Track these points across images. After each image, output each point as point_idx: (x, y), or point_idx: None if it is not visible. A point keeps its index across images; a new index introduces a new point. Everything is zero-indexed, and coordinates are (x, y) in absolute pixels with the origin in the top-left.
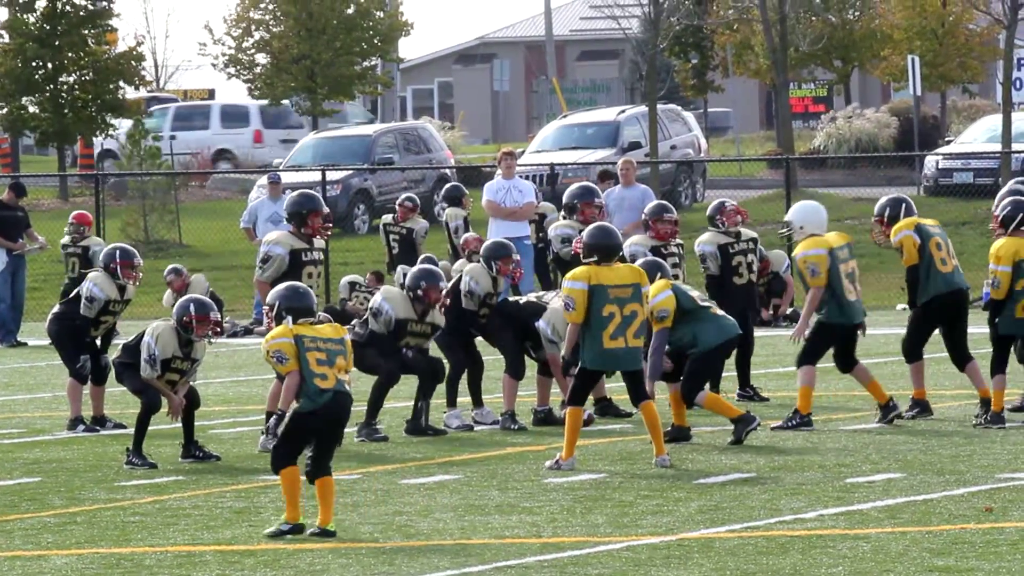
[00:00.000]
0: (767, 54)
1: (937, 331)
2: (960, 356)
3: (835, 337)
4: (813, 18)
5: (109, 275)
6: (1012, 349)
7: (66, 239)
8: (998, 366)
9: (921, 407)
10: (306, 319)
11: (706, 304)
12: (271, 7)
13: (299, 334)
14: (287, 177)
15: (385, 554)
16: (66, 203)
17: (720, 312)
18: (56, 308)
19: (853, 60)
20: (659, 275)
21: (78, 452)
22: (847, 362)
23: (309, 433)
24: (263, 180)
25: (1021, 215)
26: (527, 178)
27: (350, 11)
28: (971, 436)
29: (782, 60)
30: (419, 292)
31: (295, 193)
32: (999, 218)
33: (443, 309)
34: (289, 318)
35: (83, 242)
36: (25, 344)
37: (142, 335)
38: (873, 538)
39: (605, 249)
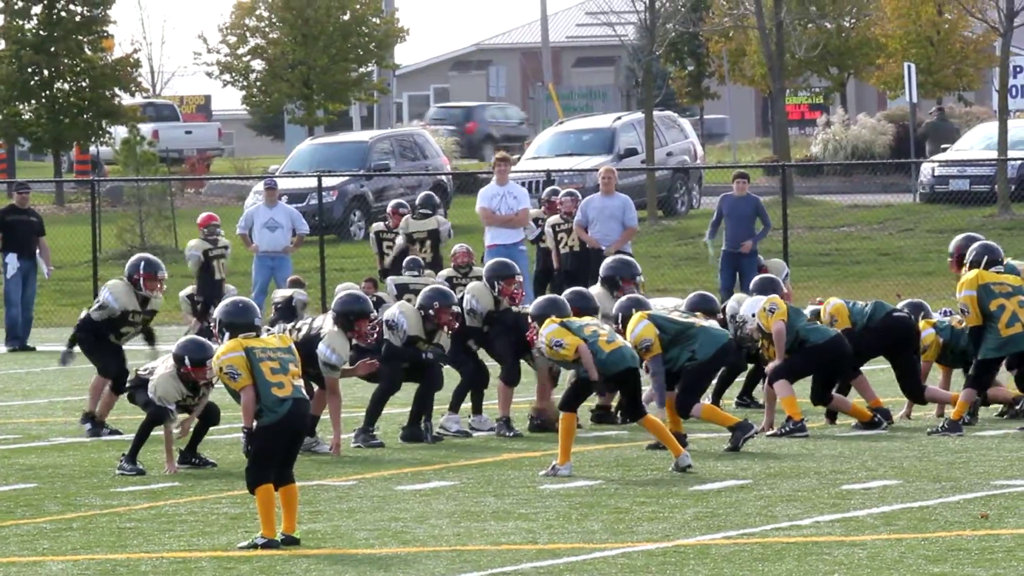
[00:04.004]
0: (763, 61)
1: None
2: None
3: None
4: (809, 25)
5: (131, 285)
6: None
7: (200, 243)
8: (975, 383)
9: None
10: (247, 334)
11: (690, 321)
12: (266, 14)
13: (249, 346)
14: (283, 183)
15: (381, 560)
16: (62, 209)
17: (706, 323)
18: (83, 314)
19: (848, 67)
20: (634, 310)
21: (74, 458)
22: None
23: (277, 446)
24: (259, 186)
25: (987, 257)
26: (523, 184)
27: (346, 17)
28: (966, 443)
29: (778, 67)
30: (431, 312)
31: (345, 294)
32: (960, 260)
33: (451, 332)
34: (228, 333)
35: (223, 241)
36: (34, 349)
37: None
38: (869, 545)
39: (558, 312)
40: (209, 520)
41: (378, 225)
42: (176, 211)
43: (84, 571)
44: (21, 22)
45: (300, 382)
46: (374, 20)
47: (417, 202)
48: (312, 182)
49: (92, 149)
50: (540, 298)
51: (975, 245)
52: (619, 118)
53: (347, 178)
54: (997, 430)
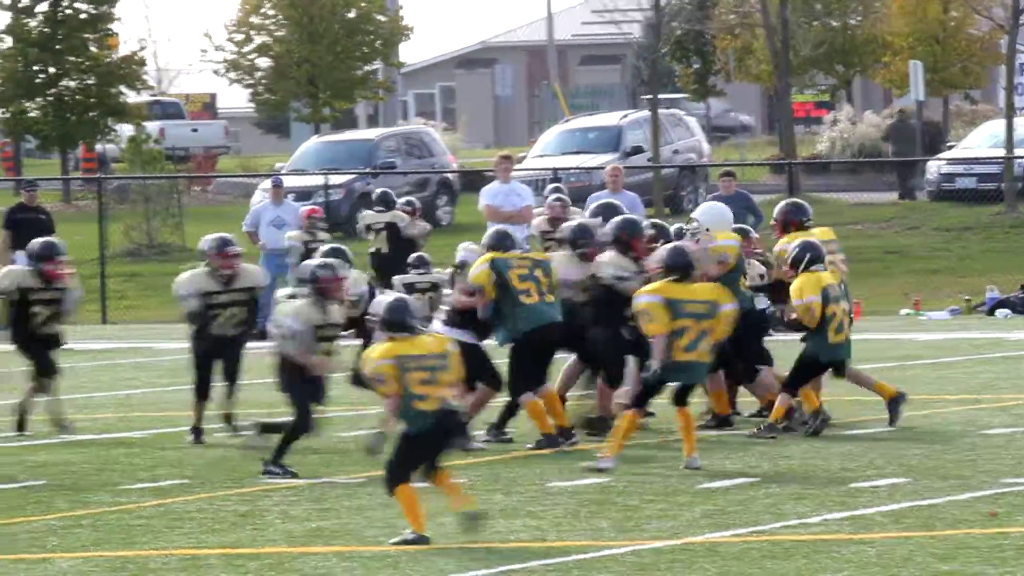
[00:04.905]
0: (769, 59)
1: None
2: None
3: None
4: (815, 23)
5: (206, 266)
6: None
7: (300, 235)
8: (793, 383)
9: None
10: (402, 334)
11: (524, 289)
12: (272, 12)
13: (400, 354)
14: (289, 181)
15: (390, 558)
16: (68, 206)
17: (538, 299)
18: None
19: (855, 65)
20: (501, 248)
21: (83, 455)
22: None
23: (421, 453)
24: (266, 184)
25: (808, 255)
26: (527, 183)
27: (351, 15)
28: (975, 441)
29: (784, 65)
30: (586, 251)
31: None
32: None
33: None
34: (386, 333)
35: (322, 235)
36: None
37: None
38: (878, 543)
39: (682, 267)
40: (218, 517)
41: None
42: (183, 209)
43: (93, 568)
44: (26, 20)
45: (451, 392)
46: (379, 18)
47: (374, 198)
48: (318, 180)
49: (98, 147)
50: (673, 247)
51: (798, 243)
52: (625, 116)
53: (354, 176)
54: (1005, 428)
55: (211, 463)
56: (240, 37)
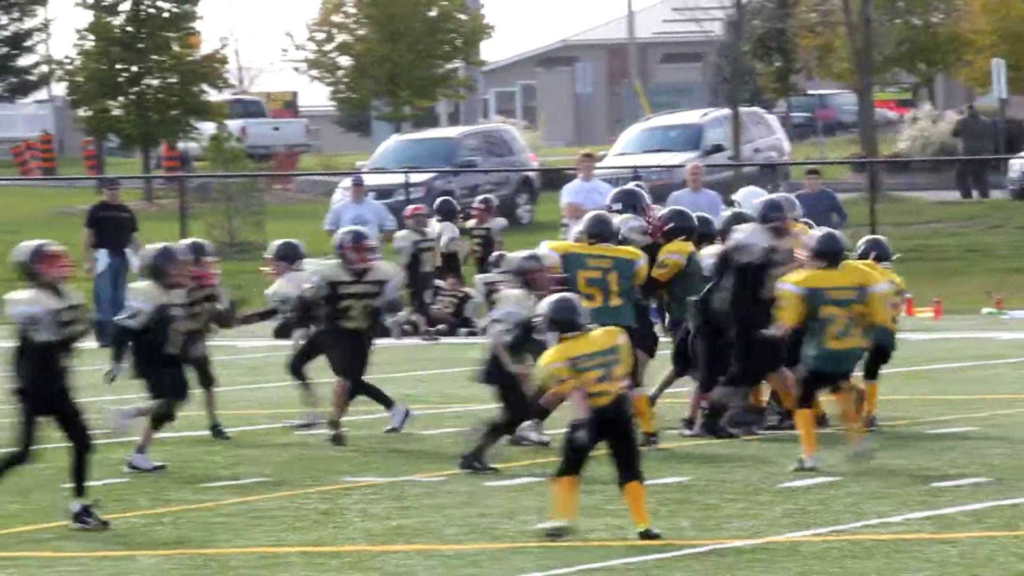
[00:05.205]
0: (850, 57)
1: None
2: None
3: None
4: (896, 21)
5: (339, 258)
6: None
7: (409, 234)
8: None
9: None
10: (573, 332)
11: (587, 294)
12: (353, 10)
13: (573, 355)
14: (370, 179)
15: (470, 556)
16: (151, 205)
17: (600, 304)
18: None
19: (937, 63)
20: (597, 236)
21: (164, 454)
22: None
23: (591, 440)
24: (346, 182)
25: (875, 253)
26: (608, 181)
27: (432, 14)
28: None
29: (865, 63)
30: (776, 225)
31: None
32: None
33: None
34: (556, 334)
35: (431, 232)
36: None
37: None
38: (960, 543)
39: (832, 254)
40: (300, 515)
41: (467, 223)
42: (265, 207)
43: (175, 566)
44: (109, 19)
45: (625, 382)
46: (460, 17)
47: (435, 207)
48: (399, 178)
49: (180, 145)
50: (825, 232)
51: (868, 238)
52: (706, 114)
53: (434, 174)
54: None
55: (290, 461)
56: (321, 36)
